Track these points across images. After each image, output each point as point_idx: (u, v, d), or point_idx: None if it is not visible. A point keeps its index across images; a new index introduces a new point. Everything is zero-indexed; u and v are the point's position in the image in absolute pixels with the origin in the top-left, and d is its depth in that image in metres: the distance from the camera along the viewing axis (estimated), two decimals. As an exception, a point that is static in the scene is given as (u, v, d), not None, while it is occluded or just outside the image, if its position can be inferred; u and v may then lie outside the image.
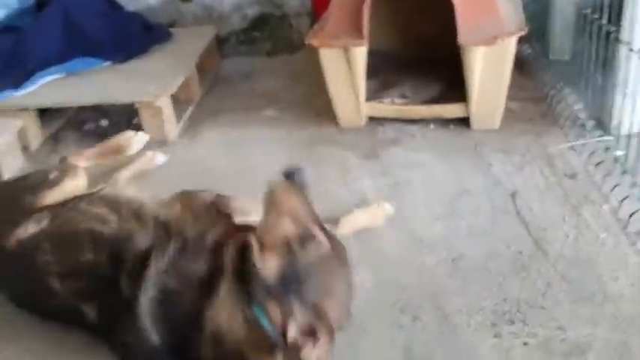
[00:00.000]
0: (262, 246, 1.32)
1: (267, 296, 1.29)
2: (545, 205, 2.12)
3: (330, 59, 2.54)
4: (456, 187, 2.26)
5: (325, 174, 2.40)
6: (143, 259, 1.44)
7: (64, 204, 1.77)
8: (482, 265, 1.89)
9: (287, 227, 1.33)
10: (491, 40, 2.35)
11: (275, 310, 1.28)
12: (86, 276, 1.54)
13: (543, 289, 1.79)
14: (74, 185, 1.93)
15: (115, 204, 1.68)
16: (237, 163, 2.57)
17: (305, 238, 1.32)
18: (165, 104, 2.68)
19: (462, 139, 2.55)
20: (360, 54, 2.50)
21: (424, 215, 2.14)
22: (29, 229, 1.66)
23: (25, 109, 2.80)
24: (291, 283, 1.28)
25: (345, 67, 2.54)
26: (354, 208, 2.12)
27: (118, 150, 2.34)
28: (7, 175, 2.52)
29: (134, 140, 2.36)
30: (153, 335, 1.39)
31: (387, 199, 2.21)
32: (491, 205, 2.15)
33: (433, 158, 2.45)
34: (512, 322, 1.69)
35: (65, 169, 1.99)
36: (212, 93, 3.29)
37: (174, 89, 2.75)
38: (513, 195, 2.18)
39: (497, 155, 2.42)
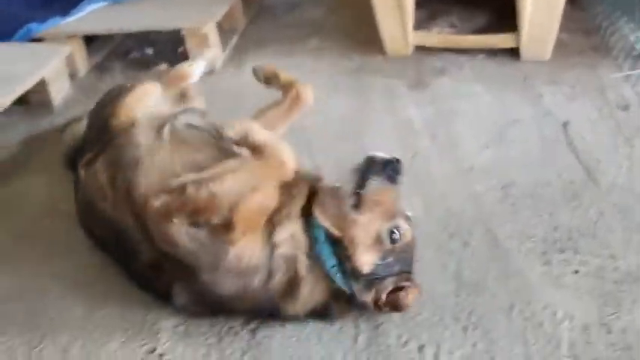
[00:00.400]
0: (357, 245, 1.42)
1: (364, 287, 1.43)
2: (598, 135, 2.07)
3: (380, -13, 2.46)
4: (505, 117, 2.22)
5: (371, 102, 2.36)
6: None
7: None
8: (532, 192, 1.87)
9: (379, 224, 1.44)
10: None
11: (369, 294, 1.43)
12: None
13: (595, 218, 1.75)
14: (145, 89, 1.89)
15: None
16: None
17: (394, 231, 1.43)
18: (211, 31, 2.65)
19: (512, 70, 2.48)
20: (411, -20, 2.41)
21: (473, 144, 2.11)
22: None
23: (72, 36, 2.78)
24: (385, 267, 1.43)
25: (395, -6, 2.46)
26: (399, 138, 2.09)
27: (182, 78, 2.25)
28: (57, 101, 2.53)
29: (195, 68, 2.26)
30: None
31: (434, 128, 2.16)
32: (542, 134, 2.10)
33: (481, 89, 2.39)
34: (563, 251, 1.67)
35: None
36: (256, 23, 3.24)
37: (219, 17, 2.72)
38: (565, 125, 2.13)
39: (547, 87, 2.36)
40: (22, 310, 1.65)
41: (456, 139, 2.12)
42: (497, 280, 1.59)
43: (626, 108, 2.16)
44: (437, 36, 2.56)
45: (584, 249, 1.66)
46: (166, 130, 1.63)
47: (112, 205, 1.58)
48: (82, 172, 1.67)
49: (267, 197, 1.43)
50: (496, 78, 2.45)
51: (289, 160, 1.47)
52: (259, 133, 1.48)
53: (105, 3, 2.96)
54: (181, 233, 1.39)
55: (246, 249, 1.40)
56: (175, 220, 1.39)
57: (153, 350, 1.51)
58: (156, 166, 1.54)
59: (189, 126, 1.68)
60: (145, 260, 1.52)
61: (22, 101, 2.39)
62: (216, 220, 1.38)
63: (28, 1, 2.88)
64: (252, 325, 1.54)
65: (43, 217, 1.94)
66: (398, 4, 2.45)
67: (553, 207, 1.79)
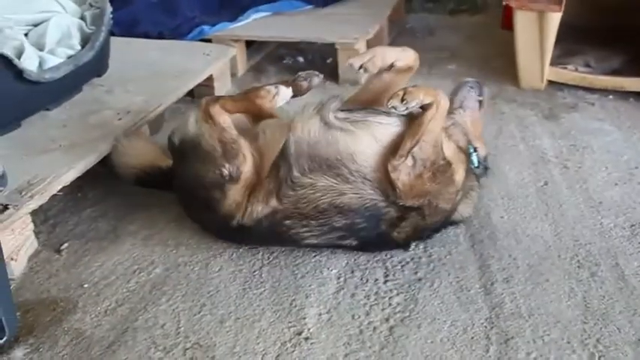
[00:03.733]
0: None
1: None
2: None
3: (524, 21, 2.44)
4: (634, 157, 2.11)
5: (505, 129, 2.32)
6: None
7: None
8: (661, 235, 1.75)
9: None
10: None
11: None
12: None
13: None
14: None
15: None
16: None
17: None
18: (362, 48, 2.67)
19: (640, 112, 2.36)
20: (555, 19, 2.37)
21: (603, 179, 2.03)
22: None
23: (237, 40, 2.87)
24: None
25: (536, 30, 2.43)
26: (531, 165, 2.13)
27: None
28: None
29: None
30: None
31: (565, 159, 2.11)
32: (673, 179, 1.98)
33: (611, 127, 2.30)
34: (692, 294, 1.56)
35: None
36: (397, 42, 3.24)
37: (371, 35, 2.74)
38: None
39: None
40: (188, 279, 1.74)
41: (587, 172, 2.04)
42: (624, 314, 1.53)
43: None
44: (571, 73, 2.49)
45: None
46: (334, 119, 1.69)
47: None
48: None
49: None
50: (625, 118, 2.34)
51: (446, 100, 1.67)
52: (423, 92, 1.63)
53: (268, 13, 3.03)
54: (426, 185, 1.62)
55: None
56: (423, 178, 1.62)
57: (299, 333, 1.54)
58: (368, 149, 1.65)
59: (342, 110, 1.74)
60: (394, 218, 1.67)
61: (190, 93, 2.49)
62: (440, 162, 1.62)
63: (205, 7, 2.99)
64: (392, 323, 1.54)
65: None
66: (540, 41, 2.39)
67: (682, 250, 1.69)
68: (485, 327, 1.52)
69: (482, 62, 2.88)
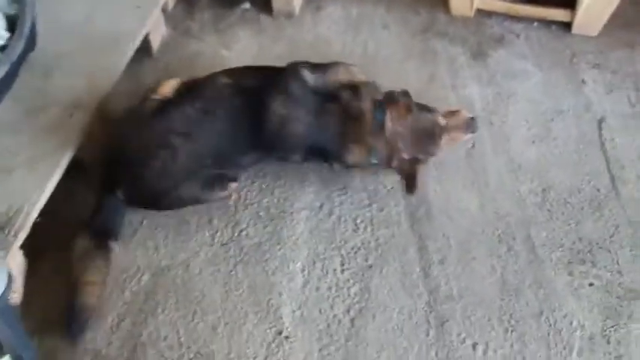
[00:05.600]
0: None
1: None
2: (626, 138, 2.38)
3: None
4: (551, 106, 2.51)
5: (436, 76, 2.65)
6: None
7: None
8: (566, 199, 2.25)
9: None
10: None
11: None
12: None
13: (611, 232, 2.16)
14: None
15: None
16: (356, 47, 2.79)
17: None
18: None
19: (561, 46, 2.71)
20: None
21: (522, 136, 2.46)
22: None
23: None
24: None
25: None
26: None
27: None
28: (156, 46, 2.78)
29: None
30: None
31: (491, 112, 2.50)
32: (580, 131, 2.42)
33: (534, 67, 2.65)
34: (584, 262, 2.09)
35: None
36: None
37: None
38: (600, 122, 2.44)
39: (590, 71, 2.61)
40: (175, 286, 2.15)
41: (509, 128, 2.45)
42: (532, 287, 2.06)
43: (656, 105, 2.44)
44: (499, 3, 2.73)
45: (600, 262, 2.08)
46: None
47: None
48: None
49: None
50: (547, 53, 2.68)
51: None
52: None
53: None
54: None
55: None
56: None
57: (280, 332, 2.01)
58: None
59: None
60: None
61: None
62: None
63: None
64: (352, 314, 2.05)
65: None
66: None
67: (581, 216, 2.19)
68: (426, 311, 2.02)
69: None
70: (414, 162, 2.09)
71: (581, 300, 1.99)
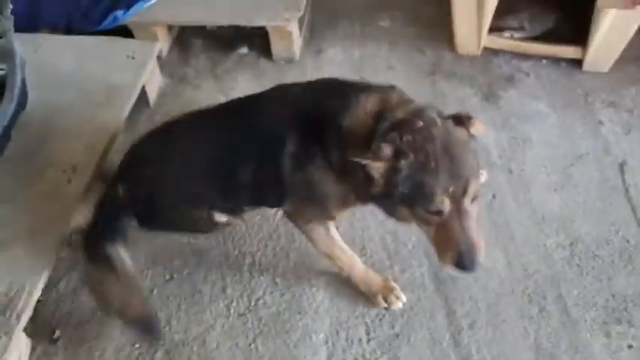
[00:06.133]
0: None
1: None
2: (651, 182, 2.28)
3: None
4: (570, 151, 2.43)
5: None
6: None
7: None
8: (595, 252, 2.16)
9: None
10: (629, 5, 2.26)
11: None
12: None
13: (646, 287, 2.05)
14: None
15: None
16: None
17: None
18: (295, 29, 2.65)
19: (573, 84, 2.62)
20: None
21: (542, 183, 2.36)
22: None
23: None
24: None
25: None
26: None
27: None
28: (152, 97, 2.62)
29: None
30: None
31: (509, 159, 2.39)
32: (602, 176, 2.34)
33: (547, 108, 2.57)
34: (620, 322, 2.00)
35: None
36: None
37: (302, 12, 2.69)
38: (621, 166, 2.34)
39: (606, 110, 2.52)
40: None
41: (529, 176, 2.36)
42: (568, 352, 1.94)
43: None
44: (507, 41, 2.63)
45: (636, 321, 1.99)
46: None
47: None
48: None
49: None
50: (559, 92, 2.58)
51: None
52: None
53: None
54: None
55: None
56: None
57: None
58: None
59: None
60: None
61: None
62: None
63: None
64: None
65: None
66: (477, 9, 2.49)
67: (612, 270, 2.09)
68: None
69: (417, 11, 2.97)
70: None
71: (621, 364, 1.85)
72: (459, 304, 2.05)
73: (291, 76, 2.69)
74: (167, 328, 2.06)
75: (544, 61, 2.68)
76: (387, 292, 2.05)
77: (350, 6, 2.99)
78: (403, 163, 1.45)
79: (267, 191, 1.86)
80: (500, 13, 2.69)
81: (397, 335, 2.01)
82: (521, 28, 2.65)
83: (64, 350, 2.04)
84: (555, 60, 2.68)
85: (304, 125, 1.69)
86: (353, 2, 3.04)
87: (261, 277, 2.14)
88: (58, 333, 2.08)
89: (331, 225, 1.94)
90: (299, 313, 2.07)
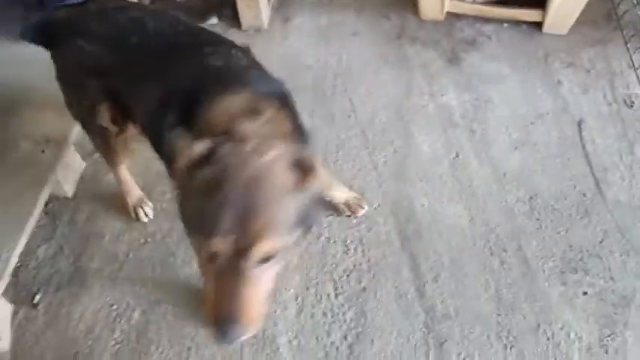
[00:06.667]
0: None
1: None
2: (606, 138, 2.32)
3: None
4: (530, 110, 2.44)
5: (413, 85, 2.54)
6: None
7: None
8: (553, 206, 2.18)
9: None
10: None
11: None
12: None
13: (600, 237, 2.10)
14: None
15: None
16: (330, 58, 2.67)
17: None
18: (262, -2, 2.65)
19: (534, 45, 2.63)
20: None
21: (504, 142, 2.38)
22: None
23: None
24: None
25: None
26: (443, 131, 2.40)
27: None
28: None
29: None
30: None
31: (471, 120, 2.41)
32: (561, 134, 2.36)
33: (508, 69, 2.58)
34: (576, 271, 2.03)
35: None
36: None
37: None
38: (579, 124, 2.38)
39: (565, 71, 2.53)
40: (167, 321, 2.04)
41: (490, 136, 2.37)
42: (527, 301, 1.98)
43: (631, 105, 2.38)
44: (470, 6, 2.64)
45: (592, 270, 2.02)
46: None
47: None
48: None
49: None
50: (520, 52, 2.61)
51: None
52: None
53: None
54: None
55: None
56: None
57: (278, 364, 1.87)
58: None
59: None
60: None
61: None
62: None
63: None
64: (350, 340, 1.95)
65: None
66: None
67: (569, 223, 2.12)
68: (424, 332, 1.94)
69: None
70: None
71: (577, 310, 1.93)
72: (423, 259, 2.08)
73: (260, 45, 2.69)
74: (143, 289, 2.07)
75: (505, 24, 2.69)
76: (141, 203, 2.18)
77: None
78: (200, 171, 1.14)
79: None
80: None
81: (364, 289, 2.03)
82: (483, -7, 2.65)
83: (44, 314, 2.04)
84: (516, 23, 2.69)
85: None
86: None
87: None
88: (38, 298, 2.08)
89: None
90: (270, 271, 2.08)
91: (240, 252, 1.10)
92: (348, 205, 2.15)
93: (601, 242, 2.06)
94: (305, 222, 1.21)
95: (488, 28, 2.66)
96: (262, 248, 1.11)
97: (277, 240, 1.12)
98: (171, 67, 1.48)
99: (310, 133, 1.44)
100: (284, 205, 1.13)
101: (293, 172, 1.15)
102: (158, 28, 1.63)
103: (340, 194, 2.13)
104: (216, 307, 1.14)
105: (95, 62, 1.65)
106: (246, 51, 1.60)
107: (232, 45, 1.62)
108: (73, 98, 1.84)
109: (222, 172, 1.12)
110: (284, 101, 1.35)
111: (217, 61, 1.46)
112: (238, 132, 1.20)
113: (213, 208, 1.10)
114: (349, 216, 2.14)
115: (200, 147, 1.14)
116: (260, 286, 1.16)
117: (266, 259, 1.13)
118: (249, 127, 1.22)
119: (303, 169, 1.16)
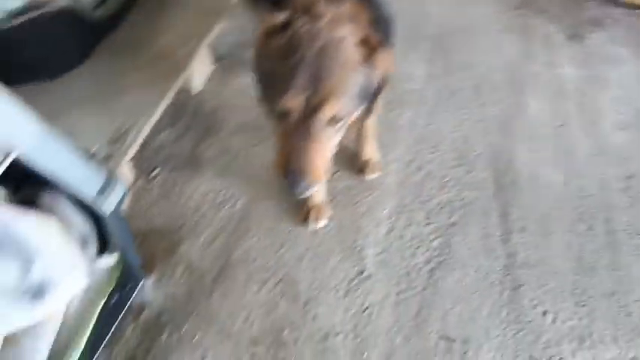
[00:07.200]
0: None
1: None
2: None
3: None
4: (642, 96, 2.43)
5: (532, 51, 2.58)
6: None
7: None
8: (649, 187, 2.18)
9: None
10: None
11: None
12: None
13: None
14: None
15: None
16: (457, 17, 2.74)
17: None
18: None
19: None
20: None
21: (611, 121, 2.38)
22: None
23: None
24: None
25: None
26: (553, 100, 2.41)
27: None
28: None
29: None
30: None
31: (582, 94, 2.43)
32: (669, 123, 2.35)
33: (630, 55, 2.56)
34: (661, 251, 2.05)
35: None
36: None
37: None
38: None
39: (688, 66, 2.51)
40: (267, 214, 2.17)
41: (599, 113, 2.37)
42: (607, 268, 2.03)
43: None
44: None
45: None
46: None
47: None
48: None
49: None
50: (643, 42, 2.58)
51: None
52: None
53: None
54: None
55: None
56: None
57: (362, 272, 2.01)
58: None
59: None
60: None
61: None
62: None
63: None
64: (432, 265, 2.04)
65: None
66: None
67: (662, 205, 2.14)
68: (502, 273, 2.00)
69: None
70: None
71: (653, 286, 1.93)
72: (514, 209, 2.14)
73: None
74: (250, 184, 2.23)
75: (637, 10, 2.68)
76: (321, 210, 2.10)
77: None
78: (278, 37, 1.27)
79: None
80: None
81: (453, 224, 2.12)
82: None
83: (158, 187, 2.21)
84: (648, 10, 2.67)
85: None
86: None
87: (339, 153, 2.27)
88: (156, 172, 2.26)
89: None
90: (368, 190, 2.21)
91: (311, 110, 1.22)
92: (366, 162, 2.21)
93: (691, 230, 2.06)
94: (366, 95, 1.33)
95: (617, 11, 2.66)
96: (331, 109, 1.22)
97: (343, 104, 1.23)
98: None
99: (394, 28, 1.52)
100: (350, 75, 1.25)
101: (361, 49, 1.26)
102: None
103: (369, 150, 2.18)
104: (288, 160, 1.25)
105: None
106: None
107: None
108: None
109: (295, 39, 1.24)
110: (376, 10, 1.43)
111: None
112: (316, 11, 1.29)
113: (288, 69, 1.21)
114: (359, 174, 2.22)
115: (279, 17, 1.27)
116: (326, 144, 1.28)
117: (332, 122, 1.24)
118: (327, 9, 1.31)
119: (369, 48, 1.27)
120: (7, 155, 1.17)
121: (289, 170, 1.25)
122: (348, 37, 1.26)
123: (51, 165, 1.28)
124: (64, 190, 1.69)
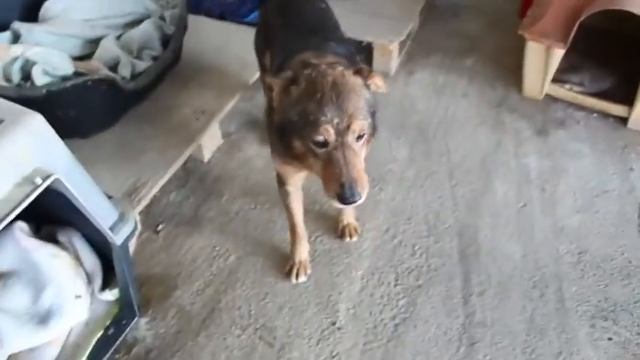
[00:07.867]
0: None
1: None
2: (662, 226, 2.50)
3: (533, 48, 2.85)
4: (599, 185, 2.66)
5: (503, 143, 2.88)
6: None
7: None
8: (599, 264, 2.37)
9: None
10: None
11: None
12: None
13: (637, 298, 2.26)
14: None
15: None
16: (438, 109, 3.07)
17: None
18: (395, 48, 3.11)
19: (616, 136, 2.88)
20: (559, 53, 2.79)
21: (569, 205, 2.58)
22: None
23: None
24: None
25: (543, 58, 2.85)
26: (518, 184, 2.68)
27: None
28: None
29: None
30: None
31: (545, 181, 2.68)
32: (621, 210, 2.56)
33: (588, 149, 2.82)
34: (606, 319, 2.17)
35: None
36: (425, 27, 3.65)
37: (404, 36, 3.14)
38: (640, 206, 2.58)
39: (639, 161, 2.77)
40: (255, 269, 2.42)
41: (558, 197, 2.58)
42: (555, 330, 2.18)
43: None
44: (566, 92, 2.94)
45: (621, 322, 2.15)
46: None
47: None
48: None
49: None
50: (602, 140, 2.85)
51: None
52: None
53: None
54: None
55: None
56: None
57: (334, 323, 2.19)
58: None
59: None
60: None
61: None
62: None
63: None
64: (397, 321, 2.21)
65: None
66: (544, 66, 2.84)
67: (610, 280, 2.29)
68: (460, 331, 2.15)
69: (497, 58, 3.34)
70: None
71: (599, 350, 2.09)
72: (475, 275, 2.35)
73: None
74: (243, 242, 2.50)
75: (595, 114, 2.96)
76: (305, 265, 2.34)
77: (444, 46, 3.42)
78: (294, 88, 1.54)
79: None
80: (565, 68, 3.05)
81: (419, 286, 2.32)
82: (580, 84, 2.95)
83: (162, 240, 2.48)
84: (605, 115, 2.94)
85: None
86: (448, 43, 3.47)
87: (325, 221, 2.54)
88: (161, 227, 2.53)
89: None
90: (346, 253, 2.44)
91: (343, 132, 1.49)
92: (347, 227, 2.46)
93: (636, 302, 2.24)
94: (371, 111, 1.60)
95: (578, 114, 2.95)
96: (357, 125, 1.49)
97: (364, 120, 1.51)
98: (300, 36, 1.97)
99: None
100: (360, 96, 1.54)
101: (358, 77, 1.58)
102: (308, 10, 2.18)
103: (349, 216, 2.43)
104: (339, 177, 1.48)
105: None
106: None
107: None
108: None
109: (311, 81, 1.53)
110: (351, 59, 1.78)
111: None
112: (312, 63, 1.62)
113: (316, 105, 1.49)
114: (339, 237, 2.49)
115: (287, 75, 1.58)
116: (361, 157, 1.56)
117: (359, 138, 1.52)
118: (320, 60, 1.66)
119: (363, 75, 1.60)
120: (48, 176, 1.47)
121: (344, 184, 1.47)
122: (344, 71, 1.57)
123: (78, 192, 1.55)
124: (79, 229, 1.97)
